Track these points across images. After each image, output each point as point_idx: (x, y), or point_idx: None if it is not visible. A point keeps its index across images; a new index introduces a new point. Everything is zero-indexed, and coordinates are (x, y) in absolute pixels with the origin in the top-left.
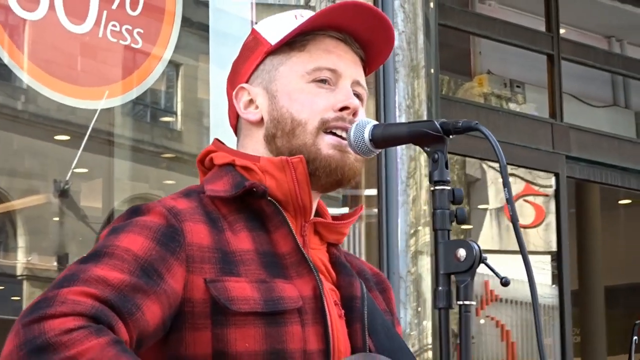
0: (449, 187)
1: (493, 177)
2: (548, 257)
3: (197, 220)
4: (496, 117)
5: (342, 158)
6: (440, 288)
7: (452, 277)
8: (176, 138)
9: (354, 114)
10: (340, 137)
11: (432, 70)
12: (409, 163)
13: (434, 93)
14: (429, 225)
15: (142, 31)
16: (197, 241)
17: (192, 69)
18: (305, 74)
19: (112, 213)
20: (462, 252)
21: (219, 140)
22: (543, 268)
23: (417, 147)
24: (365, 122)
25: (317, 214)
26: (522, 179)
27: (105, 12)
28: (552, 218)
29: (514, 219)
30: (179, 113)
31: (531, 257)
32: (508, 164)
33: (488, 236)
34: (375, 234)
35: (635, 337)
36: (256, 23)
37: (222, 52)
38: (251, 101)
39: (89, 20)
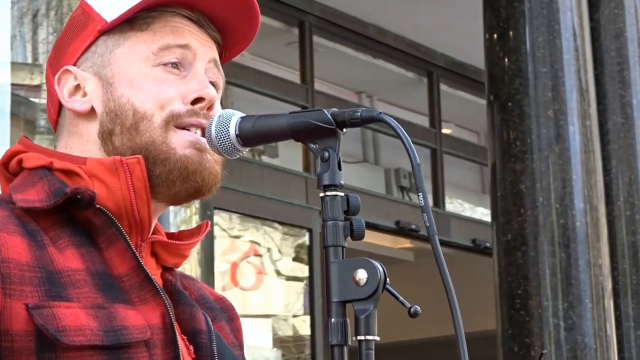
0: (342, 194)
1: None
2: (268, 321)
3: (12, 231)
4: (250, 169)
5: (201, 160)
6: (333, 320)
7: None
8: None
9: (210, 107)
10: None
11: None
12: None
13: None
14: None
15: None
16: (14, 256)
17: None
18: (150, 55)
19: None
20: (362, 274)
21: (28, 138)
22: (262, 332)
23: None
24: (229, 113)
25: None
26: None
27: None
28: (270, 280)
29: (430, 231)
30: None
31: (251, 321)
32: (261, 218)
33: None
34: None
35: None
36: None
37: None
38: (78, 87)
39: None
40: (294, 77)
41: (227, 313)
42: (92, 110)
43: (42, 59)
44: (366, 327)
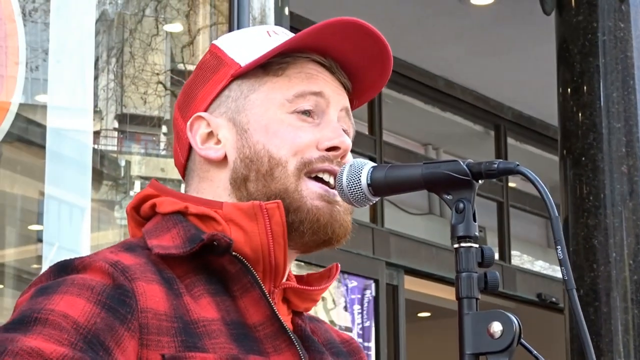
0: (476, 245)
1: None
2: None
3: (150, 279)
4: None
5: (332, 212)
6: None
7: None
8: None
9: (343, 156)
10: (327, 183)
11: None
12: None
13: None
14: None
15: None
16: (152, 306)
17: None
18: (285, 102)
19: None
20: (497, 327)
21: (158, 182)
22: None
23: None
24: (361, 163)
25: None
26: None
27: None
28: None
29: (568, 285)
30: None
31: None
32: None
33: None
34: None
35: None
36: None
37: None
38: (211, 134)
39: None
40: (362, 128)
41: (353, 357)
42: (224, 157)
43: (102, 106)
44: None
